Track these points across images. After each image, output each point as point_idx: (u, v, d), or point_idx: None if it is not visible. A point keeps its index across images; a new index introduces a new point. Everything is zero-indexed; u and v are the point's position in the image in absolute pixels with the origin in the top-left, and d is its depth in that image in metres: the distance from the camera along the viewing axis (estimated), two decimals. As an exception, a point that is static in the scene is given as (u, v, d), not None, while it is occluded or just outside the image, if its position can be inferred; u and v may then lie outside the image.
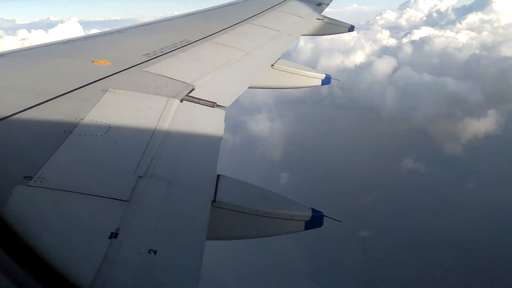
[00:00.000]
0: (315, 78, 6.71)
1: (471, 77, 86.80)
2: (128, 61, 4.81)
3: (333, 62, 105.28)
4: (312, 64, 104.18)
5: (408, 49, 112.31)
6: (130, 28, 7.04)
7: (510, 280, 35.53)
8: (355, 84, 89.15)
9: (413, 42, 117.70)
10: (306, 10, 10.47)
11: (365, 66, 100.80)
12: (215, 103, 4.30)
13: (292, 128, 70.38)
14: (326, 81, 6.73)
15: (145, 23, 7.74)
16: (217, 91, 4.65)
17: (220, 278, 33.58)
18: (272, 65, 6.24)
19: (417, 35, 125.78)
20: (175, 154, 3.19)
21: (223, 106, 4.32)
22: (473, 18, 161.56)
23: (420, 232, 42.52)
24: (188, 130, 3.66)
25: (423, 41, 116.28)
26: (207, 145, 3.57)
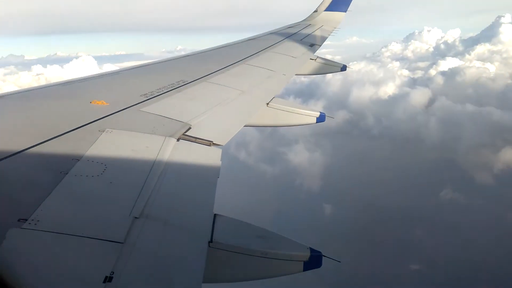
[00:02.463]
0: (309, 116, 6.81)
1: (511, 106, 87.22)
2: (126, 102, 4.87)
3: (366, 93, 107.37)
4: (344, 96, 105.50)
5: (439, 80, 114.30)
6: (128, 69, 7.19)
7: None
8: (391, 115, 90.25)
9: (443, 73, 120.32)
10: (299, 51, 10.76)
11: (400, 97, 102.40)
12: (212, 141, 4.32)
13: (330, 159, 70.41)
14: (321, 119, 6.82)
15: (143, 64, 7.91)
16: (214, 130, 4.69)
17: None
18: (267, 104, 6.34)
19: (443, 65, 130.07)
20: (172, 194, 3.17)
21: (219, 145, 4.35)
22: (481, 49, 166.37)
23: (469, 265, 41.84)
24: (185, 169, 3.66)
25: (454, 71, 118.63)
26: (204, 184, 3.56)
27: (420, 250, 44.58)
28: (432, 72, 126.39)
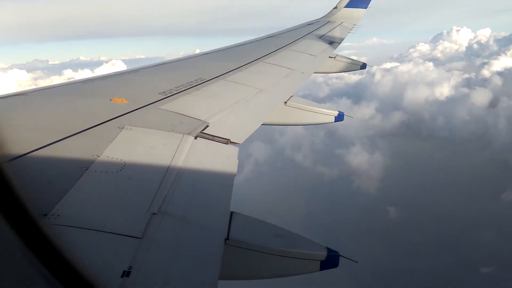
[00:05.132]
0: (328, 115, 6.76)
1: None
2: (145, 99, 4.93)
3: (420, 94, 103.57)
4: (397, 97, 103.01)
5: (497, 81, 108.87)
6: (147, 67, 7.26)
7: None
8: (451, 116, 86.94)
9: (499, 73, 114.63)
10: (318, 48, 10.69)
11: (458, 98, 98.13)
12: (229, 139, 4.33)
13: (388, 161, 69.02)
14: (339, 118, 6.76)
15: (162, 62, 7.98)
16: (231, 128, 4.70)
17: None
18: (285, 102, 6.32)
19: (496, 65, 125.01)
20: (189, 191, 3.19)
21: (237, 143, 4.36)
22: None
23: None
24: (202, 167, 3.68)
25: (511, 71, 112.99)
26: (221, 182, 3.57)
27: (491, 252, 43.33)
28: (485, 72, 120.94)
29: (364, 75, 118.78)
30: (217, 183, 3.56)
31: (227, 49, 9.68)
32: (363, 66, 10.88)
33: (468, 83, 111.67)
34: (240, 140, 4.43)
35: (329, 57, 10.36)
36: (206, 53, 8.99)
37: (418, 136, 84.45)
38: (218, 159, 3.97)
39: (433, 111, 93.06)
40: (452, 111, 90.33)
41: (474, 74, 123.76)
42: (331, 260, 3.06)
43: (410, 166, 68.93)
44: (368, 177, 63.91)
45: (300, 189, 57.99)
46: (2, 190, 1.26)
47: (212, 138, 4.28)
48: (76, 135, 3.66)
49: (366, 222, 49.81)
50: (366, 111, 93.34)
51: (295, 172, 65.33)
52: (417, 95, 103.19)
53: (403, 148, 78.01)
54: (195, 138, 4.12)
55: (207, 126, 4.48)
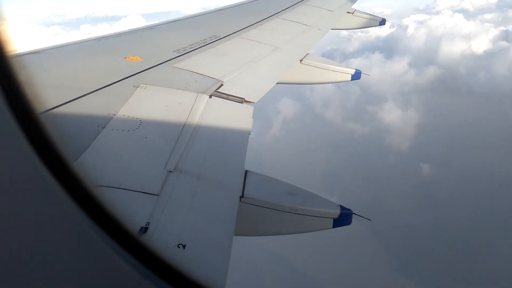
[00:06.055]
0: (344, 74, 6.63)
1: None
2: (159, 57, 4.89)
3: (456, 48, 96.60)
4: (431, 51, 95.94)
5: None
6: (161, 24, 7.15)
7: None
8: (487, 72, 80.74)
9: None
10: (336, 3, 10.32)
11: (497, 52, 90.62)
12: (243, 98, 4.31)
13: (422, 118, 66.28)
14: (356, 76, 6.63)
15: (175, 19, 7.84)
16: (246, 87, 4.67)
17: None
18: (301, 60, 6.20)
19: None
20: (204, 150, 3.22)
21: (251, 102, 4.34)
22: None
23: None
24: (217, 126, 3.69)
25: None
26: (236, 140, 3.59)
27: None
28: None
29: (395, 28, 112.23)
30: (232, 142, 3.58)
31: (242, 4, 9.43)
32: (382, 22, 10.49)
33: (507, 36, 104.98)
34: (254, 99, 4.41)
35: (347, 12, 10.01)
36: (220, 9, 8.78)
37: (454, 92, 79.58)
38: (233, 118, 3.97)
39: (470, 66, 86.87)
40: (490, 66, 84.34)
41: (511, 26, 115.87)
42: (344, 218, 3.12)
43: (444, 122, 66.06)
44: (401, 134, 61.98)
45: (329, 147, 57.07)
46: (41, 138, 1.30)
47: (227, 97, 4.26)
48: (92, 93, 3.68)
49: (396, 179, 49.04)
50: (399, 66, 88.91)
51: (325, 129, 63.86)
52: (452, 49, 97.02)
53: (438, 104, 74.11)
54: (210, 97, 4.11)
55: (222, 85, 4.46)
